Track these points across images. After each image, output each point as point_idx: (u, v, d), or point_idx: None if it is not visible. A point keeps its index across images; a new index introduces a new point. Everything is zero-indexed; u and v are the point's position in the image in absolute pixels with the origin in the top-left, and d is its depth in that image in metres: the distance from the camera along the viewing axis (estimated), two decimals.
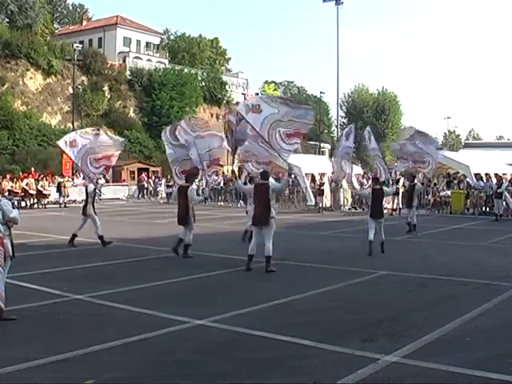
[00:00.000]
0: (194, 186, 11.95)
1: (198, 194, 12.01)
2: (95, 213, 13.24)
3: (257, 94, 75.50)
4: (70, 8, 75.02)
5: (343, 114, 76.06)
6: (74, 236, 13.02)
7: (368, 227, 12.18)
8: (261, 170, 10.90)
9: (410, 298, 7.86)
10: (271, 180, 10.91)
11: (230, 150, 11.26)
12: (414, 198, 15.70)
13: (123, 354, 5.37)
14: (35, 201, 26.92)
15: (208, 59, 73.96)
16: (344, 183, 27.53)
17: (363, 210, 25.23)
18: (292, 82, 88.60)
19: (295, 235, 15.76)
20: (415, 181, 16.74)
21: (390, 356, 5.26)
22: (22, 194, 26.22)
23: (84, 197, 14.06)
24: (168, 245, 13.05)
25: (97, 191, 13.90)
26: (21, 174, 31.32)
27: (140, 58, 63.28)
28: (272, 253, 9.85)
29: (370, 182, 25.91)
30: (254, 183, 10.94)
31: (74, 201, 29.96)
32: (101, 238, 13.04)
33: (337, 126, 48.31)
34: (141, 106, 58.88)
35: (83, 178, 14.06)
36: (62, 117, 53.02)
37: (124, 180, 38.64)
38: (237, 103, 69.91)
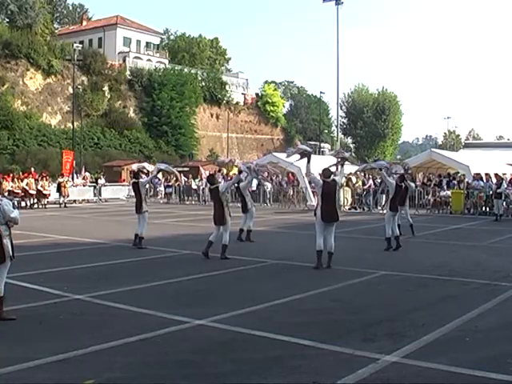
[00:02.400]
0: (223, 183, 11.78)
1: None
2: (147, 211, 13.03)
3: (257, 94, 75.59)
4: (70, 8, 75.12)
5: (343, 114, 75.93)
6: (141, 238, 12.77)
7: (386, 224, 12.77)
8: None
9: (410, 298, 7.86)
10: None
11: None
12: (406, 199, 15.42)
13: (123, 354, 5.36)
14: (35, 201, 26.93)
15: (208, 59, 74.00)
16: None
17: (363, 209, 25.30)
18: (292, 82, 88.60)
19: (295, 235, 15.75)
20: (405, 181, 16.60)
21: (390, 356, 5.26)
22: (22, 194, 26.23)
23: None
24: (168, 245, 13.10)
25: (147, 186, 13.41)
26: (21, 173, 31.35)
27: (140, 58, 63.33)
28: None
29: (371, 181, 26.03)
30: (322, 180, 10.47)
31: (74, 201, 29.98)
32: (139, 237, 12.78)
33: (337, 126, 48.19)
34: (141, 105, 58.93)
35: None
36: (62, 117, 53.09)
37: (124, 180, 38.65)
38: (237, 103, 70.27)
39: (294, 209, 25.96)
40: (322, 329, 6.25)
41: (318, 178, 10.50)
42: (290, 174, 28.61)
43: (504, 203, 21.25)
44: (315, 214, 10.55)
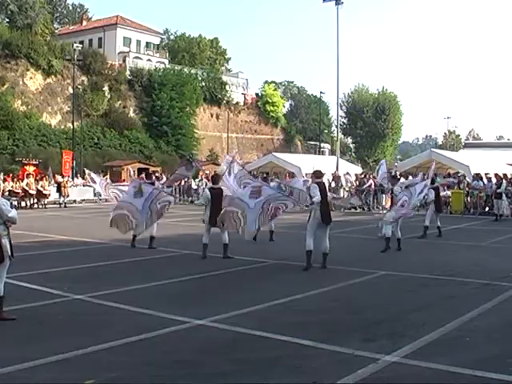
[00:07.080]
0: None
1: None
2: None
3: (257, 94, 75.56)
4: (70, 8, 75.07)
5: (343, 114, 75.83)
6: (152, 238, 12.80)
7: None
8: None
9: (410, 298, 7.86)
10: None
11: None
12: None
13: (123, 354, 5.37)
14: (35, 201, 26.93)
15: (208, 59, 73.94)
16: (344, 182, 27.65)
17: (363, 209, 25.29)
18: (292, 82, 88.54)
19: (295, 235, 15.72)
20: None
21: (390, 356, 5.26)
22: (22, 194, 26.25)
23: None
24: (168, 245, 13.08)
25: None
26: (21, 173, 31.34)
27: (140, 58, 63.29)
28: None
29: (371, 181, 26.06)
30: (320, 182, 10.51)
31: (74, 201, 29.97)
32: (152, 238, 12.83)
33: (337, 126, 48.24)
34: (141, 106, 58.88)
35: None
36: (62, 117, 53.02)
37: (124, 180, 38.60)
38: (237, 103, 70.26)
39: (295, 209, 25.91)
40: (322, 329, 6.24)
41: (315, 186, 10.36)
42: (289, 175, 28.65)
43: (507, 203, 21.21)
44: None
